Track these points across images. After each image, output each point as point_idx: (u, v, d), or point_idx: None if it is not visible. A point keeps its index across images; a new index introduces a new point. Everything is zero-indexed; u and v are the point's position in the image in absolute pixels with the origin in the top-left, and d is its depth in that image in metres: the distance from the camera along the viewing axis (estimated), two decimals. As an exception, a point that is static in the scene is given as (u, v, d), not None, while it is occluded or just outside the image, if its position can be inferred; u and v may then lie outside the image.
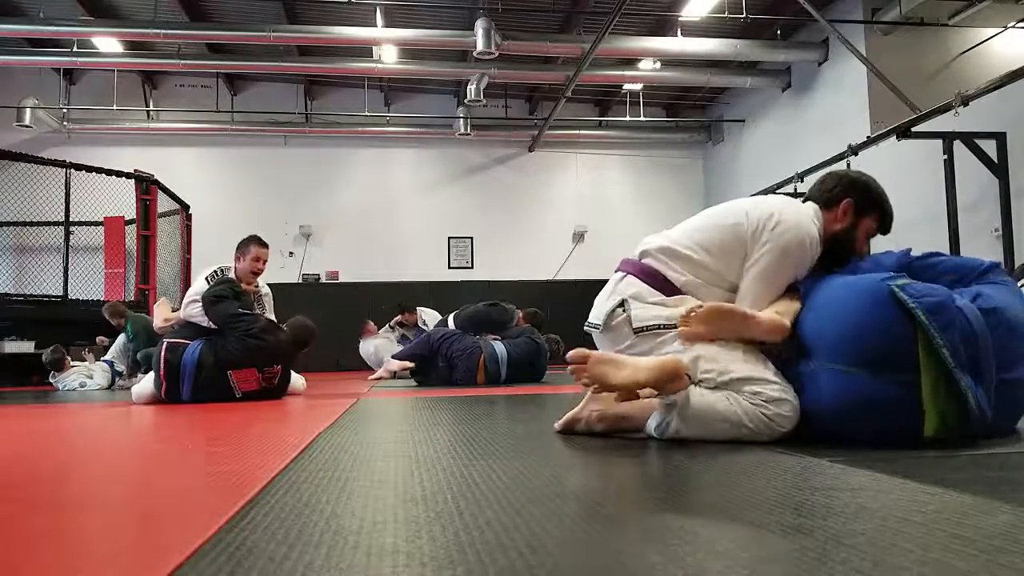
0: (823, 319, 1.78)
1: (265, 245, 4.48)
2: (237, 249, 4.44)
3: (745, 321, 1.83)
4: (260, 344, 3.91)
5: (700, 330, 1.84)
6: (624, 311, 1.98)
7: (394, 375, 6.26)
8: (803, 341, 1.81)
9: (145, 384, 4.04)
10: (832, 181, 2.09)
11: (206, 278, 4.26)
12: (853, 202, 2.02)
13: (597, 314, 2.06)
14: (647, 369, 1.75)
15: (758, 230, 1.95)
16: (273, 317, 4.42)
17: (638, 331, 1.94)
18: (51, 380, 6.53)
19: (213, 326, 4.04)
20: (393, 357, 6.26)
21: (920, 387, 1.61)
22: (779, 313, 1.86)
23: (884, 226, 2.10)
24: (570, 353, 1.80)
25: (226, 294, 4.06)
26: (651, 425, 1.87)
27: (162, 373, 3.83)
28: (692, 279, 1.99)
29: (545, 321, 6.06)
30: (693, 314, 1.84)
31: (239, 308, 4.04)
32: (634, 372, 1.75)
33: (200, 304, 4.09)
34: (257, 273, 4.39)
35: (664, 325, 1.91)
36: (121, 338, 6.77)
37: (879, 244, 2.29)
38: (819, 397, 1.73)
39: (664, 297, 1.98)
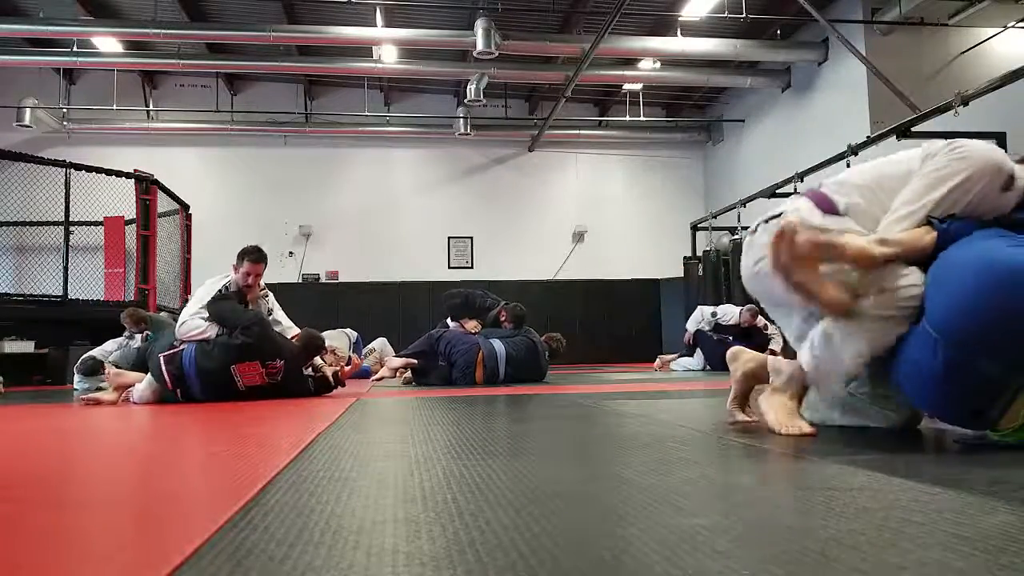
0: (948, 284, 1.64)
1: (258, 261, 4.28)
2: (236, 258, 4.36)
3: (831, 248, 1.74)
4: (260, 334, 3.97)
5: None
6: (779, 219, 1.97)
7: (395, 373, 6.29)
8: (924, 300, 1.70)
9: (144, 386, 4.06)
10: None
11: (219, 289, 4.26)
12: None
13: (758, 219, 2.11)
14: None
15: (933, 153, 1.87)
16: (284, 317, 4.47)
17: None
18: (76, 382, 6.54)
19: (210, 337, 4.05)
20: (396, 356, 6.31)
21: (1010, 387, 1.52)
22: (888, 242, 1.75)
23: None
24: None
25: (230, 296, 4.20)
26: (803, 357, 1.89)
27: (170, 384, 3.92)
28: (858, 201, 1.94)
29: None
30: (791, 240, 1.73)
31: (239, 305, 4.18)
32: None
33: (199, 318, 4.08)
34: (249, 287, 4.28)
35: None
36: (122, 339, 6.76)
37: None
38: (911, 358, 1.66)
39: (825, 216, 1.93)
